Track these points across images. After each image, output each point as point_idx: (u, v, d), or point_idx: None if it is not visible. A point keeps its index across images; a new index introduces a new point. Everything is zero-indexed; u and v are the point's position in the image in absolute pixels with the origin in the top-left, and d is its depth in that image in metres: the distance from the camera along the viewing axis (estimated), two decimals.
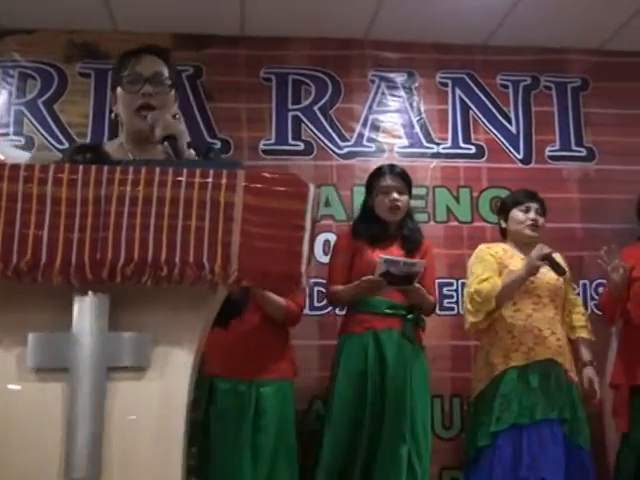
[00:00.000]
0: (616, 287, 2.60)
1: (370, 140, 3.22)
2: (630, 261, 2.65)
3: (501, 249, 2.63)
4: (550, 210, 2.87)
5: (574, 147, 3.31)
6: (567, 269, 2.56)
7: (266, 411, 2.37)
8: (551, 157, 3.28)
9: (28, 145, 3.06)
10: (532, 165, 3.27)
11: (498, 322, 2.52)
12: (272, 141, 3.16)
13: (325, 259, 2.88)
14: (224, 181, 1.02)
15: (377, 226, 2.59)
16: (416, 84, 3.29)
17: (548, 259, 2.44)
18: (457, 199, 3.19)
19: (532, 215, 2.63)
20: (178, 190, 1.01)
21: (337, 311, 2.86)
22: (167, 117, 1.45)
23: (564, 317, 2.64)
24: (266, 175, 1.04)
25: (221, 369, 2.34)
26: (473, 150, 3.26)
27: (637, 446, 2.57)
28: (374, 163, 3.04)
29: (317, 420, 2.74)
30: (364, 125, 3.22)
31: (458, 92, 3.29)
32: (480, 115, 3.28)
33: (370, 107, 3.24)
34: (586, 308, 3.10)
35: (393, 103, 3.26)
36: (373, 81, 3.27)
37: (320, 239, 3.08)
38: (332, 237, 3.00)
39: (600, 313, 2.94)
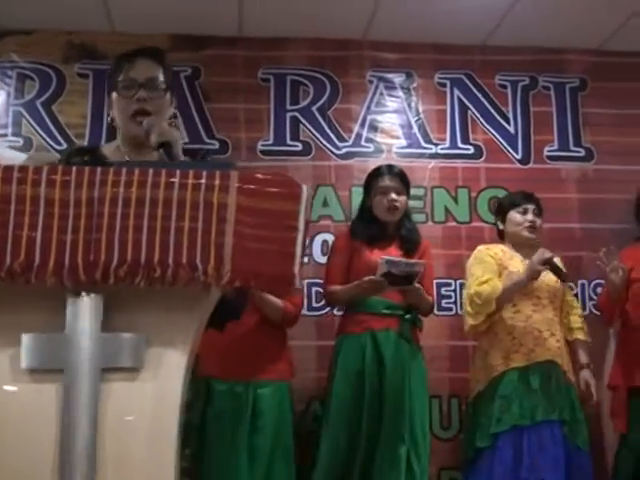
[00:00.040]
0: (615, 288, 2.60)
1: (368, 140, 3.22)
2: (629, 262, 2.65)
3: (500, 250, 2.63)
4: (548, 210, 2.88)
5: (572, 147, 3.30)
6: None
7: (263, 412, 2.37)
8: (549, 157, 3.28)
9: (26, 146, 3.06)
10: (530, 165, 3.27)
11: (498, 323, 2.52)
12: (270, 142, 3.17)
13: (323, 259, 2.89)
14: (217, 182, 1.02)
15: (375, 226, 2.59)
16: (414, 84, 3.29)
17: (549, 264, 2.44)
18: (455, 199, 3.20)
19: (530, 217, 2.63)
20: (171, 191, 1.01)
21: (335, 311, 2.85)
22: (162, 124, 1.46)
23: (562, 318, 2.64)
24: (259, 176, 1.04)
25: (218, 370, 2.34)
26: (471, 150, 3.26)
27: (635, 447, 2.57)
28: (372, 163, 3.04)
29: (314, 421, 2.74)
30: (362, 125, 3.22)
31: (456, 92, 3.29)
32: (478, 115, 3.28)
33: (368, 107, 3.24)
34: (584, 308, 3.11)
35: (391, 103, 3.27)
36: (371, 81, 3.27)
37: (318, 239, 3.08)
38: (330, 237, 3.01)
39: (598, 313, 2.95)
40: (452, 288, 3.10)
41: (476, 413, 2.51)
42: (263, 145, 3.15)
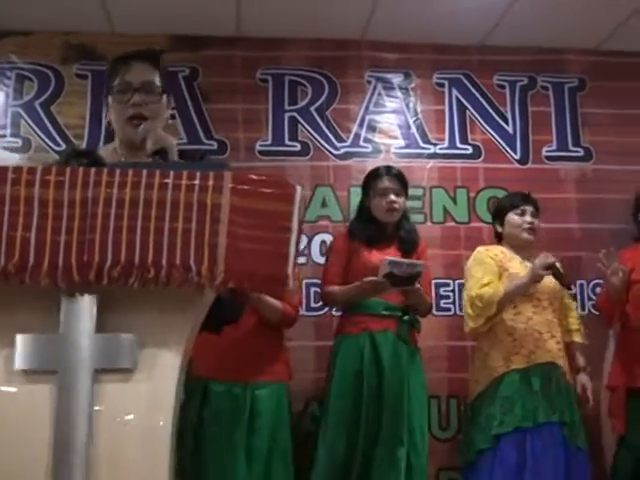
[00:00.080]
0: (615, 290, 2.60)
1: (367, 141, 3.22)
2: (628, 264, 2.64)
3: (500, 252, 2.63)
4: (547, 210, 2.88)
5: (571, 147, 3.30)
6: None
7: (261, 413, 2.37)
8: (548, 157, 3.28)
9: (25, 147, 3.07)
10: (529, 165, 3.26)
11: (498, 325, 2.51)
12: (269, 142, 3.16)
13: (322, 260, 2.89)
14: (211, 183, 1.02)
15: (374, 227, 2.59)
16: (413, 85, 3.29)
17: (552, 269, 2.44)
18: (454, 199, 3.19)
19: (528, 218, 2.63)
20: (165, 192, 1.01)
21: (333, 312, 2.85)
22: (158, 130, 1.46)
23: (561, 320, 2.64)
24: (253, 177, 1.04)
25: (216, 371, 2.34)
26: (470, 150, 3.25)
27: (634, 448, 2.57)
28: (371, 164, 3.04)
29: (312, 422, 2.74)
30: (361, 126, 3.22)
31: (455, 92, 3.29)
32: (477, 115, 3.28)
33: (367, 108, 3.24)
34: (583, 308, 3.12)
35: (390, 104, 3.26)
36: (370, 82, 3.27)
37: (317, 240, 3.08)
38: (329, 238, 3.01)
39: (597, 313, 2.95)
40: (451, 288, 3.10)
41: (476, 414, 2.51)
42: (261, 145, 3.15)
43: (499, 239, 2.72)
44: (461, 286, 2.96)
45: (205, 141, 3.12)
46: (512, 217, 2.65)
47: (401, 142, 3.23)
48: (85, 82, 3.11)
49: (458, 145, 3.25)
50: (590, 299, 3.13)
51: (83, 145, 2.99)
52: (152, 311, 1.05)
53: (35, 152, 3.04)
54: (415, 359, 2.52)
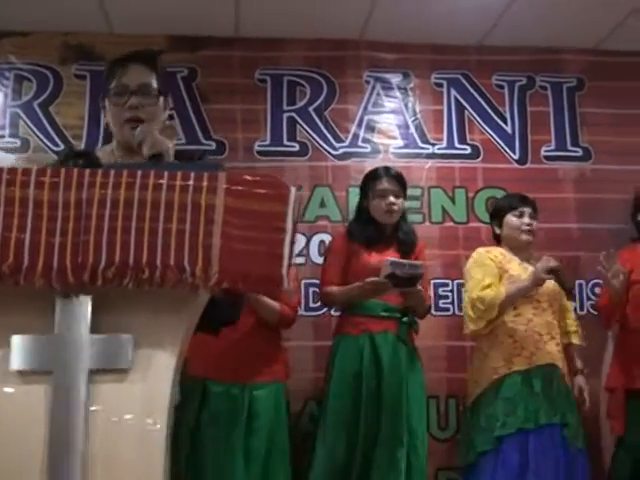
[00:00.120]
0: (616, 292, 2.59)
1: (365, 141, 3.22)
2: (627, 264, 2.64)
3: (500, 253, 2.62)
4: (546, 210, 2.88)
5: (570, 147, 3.30)
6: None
7: (259, 414, 2.37)
8: (547, 157, 3.28)
9: (24, 147, 3.07)
10: (528, 165, 3.26)
11: (499, 326, 2.51)
12: (267, 142, 3.17)
13: (320, 260, 2.89)
14: (205, 184, 1.02)
15: (373, 228, 2.59)
16: (411, 85, 3.29)
17: (554, 273, 2.44)
18: (452, 199, 3.19)
19: (527, 220, 2.63)
20: (159, 193, 1.02)
21: (332, 312, 2.85)
22: (155, 134, 1.46)
23: (559, 322, 2.63)
24: (247, 177, 1.04)
25: (214, 372, 2.35)
26: (468, 150, 3.25)
27: (633, 449, 2.56)
28: (369, 164, 3.05)
29: (311, 422, 2.74)
30: (359, 126, 3.22)
31: (453, 92, 3.29)
32: (475, 115, 3.28)
33: (365, 108, 3.24)
34: (582, 308, 3.12)
35: (388, 104, 3.26)
36: (368, 82, 3.27)
37: (315, 240, 3.08)
38: (327, 238, 3.01)
39: (596, 313, 2.94)
40: (449, 288, 3.10)
41: (475, 415, 2.50)
42: (260, 146, 3.16)
43: (497, 241, 2.72)
44: (460, 286, 2.97)
45: (204, 141, 3.12)
46: (510, 219, 2.64)
47: (400, 142, 3.23)
48: (84, 82, 3.11)
49: (457, 145, 3.25)
50: (589, 299, 3.13)
51: (82, 146, 2.99)
52: (147, 312, 1.05)
53: (34, 152, 3.04)
54: (414, 360, 2.52)
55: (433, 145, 3.24)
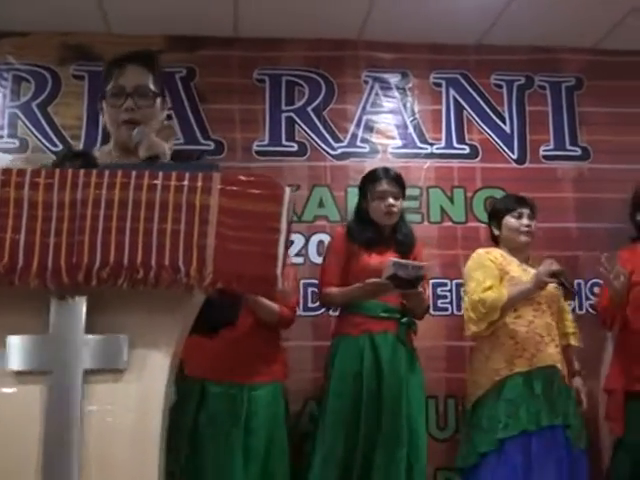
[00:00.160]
0: (617, 294, 2.58)
1: (364, 141, 3.22)
2: (627, 265, 2.63)
3: (499, 255, 2.61)
4: (545, 210, 2.88)
5: (568, 146, 3.30)
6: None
7: (257, 414, 2.37)
8: (545, 157, 3.28)
9: (22, 147, 3.07)
10: (526, 165, 3.26)
11: (500, 328, 2.50)
12: (265, 142, 3.17)
13: (319, 260, 2.89)
14: (200, 184, 1.02)
15: (372, 229, 2.58)
16: (410, 84, 3.29)
17: (557, 277, 2.44)
18: (451, 199, 3.19)
19: (525, 221, 2.62)
20: (154, 193, 1.02)
21: (331, 312, 2.85)
22: (151, 136, 1.46)
23: (557, 323, 2.63)
24: (242, 178, 1.04)
25: (213, 373, 2.35)
26: (467, 150, 3.25)
27: (632, 450, 2.55)
28: (368, 164, 3.05)
29: (310, 421, 2.74)
30: (358, 126, 3.22)
31: (452, 92, 3.29)
32: (474, 115, 3.28)
33: (364, 108, 3.24)
34: (581, 308, 3.12)
35: (387, 104, 3.26)
36: (367, 82, 3.27)
37: (314, 240, 3.09)
38: (326, 238, 3.01)
39: (594, 312, 2.94)
40: (448, 288, 3.09)
41: (477, 416, 2.49)
42: (258, 146, 3.16)
43: (495, 242, 2.71)
44: (459, 286, 2.97)
45: (202, 141, 3.13)
46: (509, 220, 2.64)
47: (398, 142, 3.23)
48: (82, 83, 3.12)
49: (455, 145, 3.25)
50: (588, 298, 3.13)
51: (80, 146, 3.00)
52: (142, 312, 1.05)
53: (32, 153, 3.04)
54: (414, 360, 2.53)
55: (432, 145, 3.24)
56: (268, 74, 3.22)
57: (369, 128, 3.23)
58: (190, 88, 3.16)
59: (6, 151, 3.05)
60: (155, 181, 1.02)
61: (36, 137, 3.07)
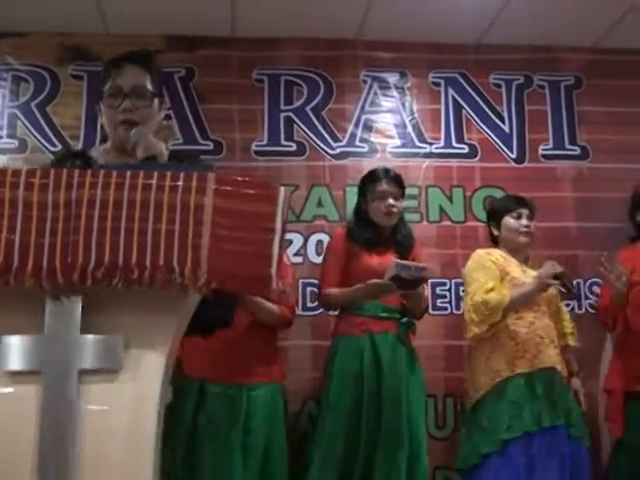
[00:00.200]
0: (618, 294, 2.58)
1: (363, 140, 3.22)
2: (627, 264, 2.62)
3: (500, 255, 2.60)
4: (544, 209, 2.87)
5: (568, 146, 3.29)
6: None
7: (256, 414, 2.37)
8: (545, 156, 3.27)
9: (21, 147, 3.07)
10: (525, 164, 3.26)
11: (501, 329, 2.49)
12: (264, 142, 3.16)
13: (318, 259, 2.89)
14: (194, 184, 1.02)
15: (372, 230, 2.58)
16: (408, 84, 3.28)
17: (559, 279, 2.43)
18: (450, 199, 3.19)
19: (524, 222, 2.62)
20: (148, 193, 1.02)
21: (330, 312, 2.85)
22: (149, 137, 1.46)
23: (555, 324, 2.63)
24: (236, 178, 1.04)
25: (211, 373, 2.35)
26: (466, 150, 3.25)
27: (631, 451, 2.55)
28: (367, 163, 3.05)
29: (310, 422, 2.73)
30: (356, 125, 3.22)
31: (451, 92, 3.29)
32: (473, 114, 3.28)
33: (362, 107, 3.24)
34: (580, 307, 3.11)
35: (385, 103, 3.26)
36: (365, 81, 3.27)
37: (313, 239, 3.08)
38: (325, 237, 3.01)
39: (593, 312, 2.94)
40: (447, 287, 3.09)
41: (477, 417, 2.48)
42: (257, 145, 3.15)
43: (494, 242, 2.71)
44: (458, 285, 2.97)
45: (201, 141, 3.13)
46: (508, 221, 2.63)
47: (397, 141, 3.23)
48: (81, 83, 3.12)
49: (454, 144, 3.25)
50: (587, 298, 3.13)
51: (79, 146, 3.00)
52: (137, 312, 1.05)
53: (31, 153, 3.04)
54: (414, 360, 2.52)
55: (430, 144, 3.23)
56: (267, 74, 3.21)
57: (368, 128, 3.23)
58: (189, 88, 3.16)
59: (5, 151, 3.05)
60: (150, 181, 1.02)
61: (35, 137, 3.07)
